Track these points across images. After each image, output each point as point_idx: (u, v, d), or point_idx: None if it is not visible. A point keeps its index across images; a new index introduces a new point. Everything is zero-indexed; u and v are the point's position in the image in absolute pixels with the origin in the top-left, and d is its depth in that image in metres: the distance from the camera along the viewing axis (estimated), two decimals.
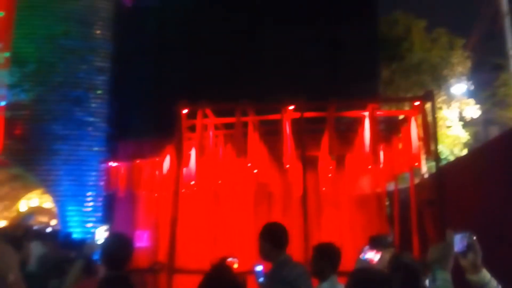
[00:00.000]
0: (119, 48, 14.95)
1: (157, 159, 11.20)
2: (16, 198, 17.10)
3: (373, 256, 5.62)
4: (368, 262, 5.61)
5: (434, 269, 2.27)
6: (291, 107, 7.71)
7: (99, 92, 14.20)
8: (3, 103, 11.79)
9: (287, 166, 8.20)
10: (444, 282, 2.21)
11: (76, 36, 14.22)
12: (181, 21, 15.70)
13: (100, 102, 14.17)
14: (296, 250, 6.28)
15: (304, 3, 15.23)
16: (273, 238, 3.65)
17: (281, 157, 7.99)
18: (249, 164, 8.10)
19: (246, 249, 9.27)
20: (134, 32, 15.56)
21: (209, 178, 9.30)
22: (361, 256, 5.86)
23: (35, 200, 17.45)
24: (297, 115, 7.72)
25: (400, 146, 8.93)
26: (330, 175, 9.62)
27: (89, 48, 14.27)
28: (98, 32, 14.54)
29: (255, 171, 8.50)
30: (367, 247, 5.87)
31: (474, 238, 2.25)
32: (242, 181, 9.55)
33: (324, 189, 10.18)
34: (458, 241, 2.22)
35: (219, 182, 9.39)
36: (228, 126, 8.93)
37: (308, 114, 7.89)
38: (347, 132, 10.10)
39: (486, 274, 2.25)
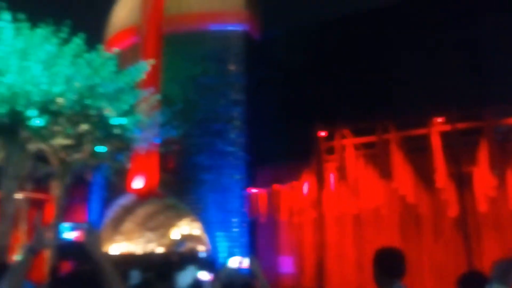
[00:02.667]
0: (251, 79, 15.73)
1: (295, 184, 11.27)
2: (170, 226, 18.84)
3: None
4: None
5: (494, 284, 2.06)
6: (440, 119, 7.05)
7: (236, 123, 15.03)
8: (157, 141, 13.22)
9: (439, 185, 7.45)
10: None
11: (213, 74, 15.41)
12: (307, 45, 15.93)
13: (238, 132, 14.97)
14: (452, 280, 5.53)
15: (441, 5, 14.15)
16: (384, 265, 3.27)
17: (431, 176, 7.31)
18: (395, 185, 7.58)
19: None
20: (264, 63, 16.25)
21: (351, 201, 8.94)
22: None
23: (185, 228, 19.01)
24: (447, 127, 7.02)
25: None
26: (490, 193, 8.46)
27: (225, 83, 15.31)
28: (232, 67, 15.55)
29: (402, 192, 7.91)
30: None
31: None
32: (387, 204, 8.98)
33: (483, 209, 8.97)
34: None
35: (362, 205, 8.96)
36: (368, 145, 8.55)
37: (461, 125, 7.12)
38: (507, 143, 8.82)
39: None
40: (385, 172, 7.44)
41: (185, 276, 5.72)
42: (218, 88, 15.32)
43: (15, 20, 8.70)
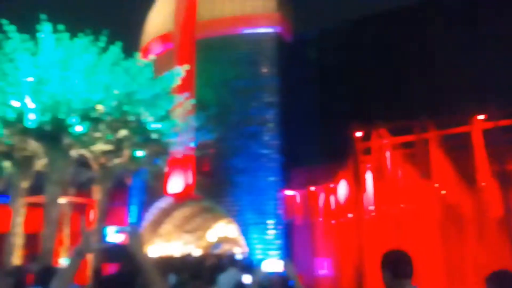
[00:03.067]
0: (284, 81, 15.72)
1: (331, 185, 11.15)
2: (207, 228, 19.09)
3: None
4: None
5: None
6: (481, 117, 6.80)
7: (270, 125, 15.06)
8: (193, 144, 13.44)
9: (482, 184, 7.18)
10: None
11: (246, 77, 15.52)
12: (341, 44, 15.75)
13: (272, 134, 15.00)
14: None
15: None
16: (393, 267, 3.22)
17: (473, 174, 7.05)
18: (435, 185, 7.36)
19: (433, 278, 8.35)
20: (296, 64, 16.19)
21: (389, 202, 8.75)
22: None
23: (221, 230, 19.20)
24: (489, 124, 6.76)
25: None
26: None
27: (258, 86, 15.39)
28: (264, 70, 15.60)
29: (443, 192, 7.67)
30: None
31: None
32: (427, 204, 8.72)
33: None
34: None
35: (401, 206, 8.75)
36: (407, 145, 8.34)
37: (504, 122, 6.84)
38: None
39: None
40: (425, 172, 7.24)
41: (226, 278, 5.78)
42: (251, 91, 15.42)
43: (55, 31, 9.06)
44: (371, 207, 8.61)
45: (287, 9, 16.79)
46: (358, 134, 7.76)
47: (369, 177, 8.47)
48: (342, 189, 9.93)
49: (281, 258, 13.44)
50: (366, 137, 7.85)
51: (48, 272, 5.66)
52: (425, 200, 8.58)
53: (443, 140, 7.75)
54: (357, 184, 7.74)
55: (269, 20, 15.98)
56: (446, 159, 7.67)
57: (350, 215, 9.42)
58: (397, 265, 3.28)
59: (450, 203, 8.56)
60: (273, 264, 11.94)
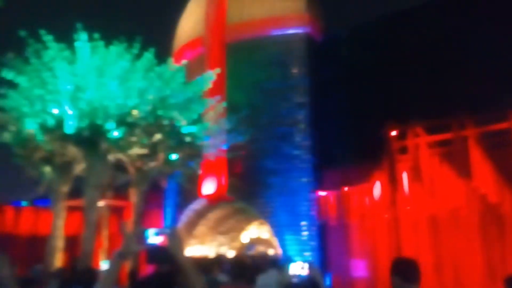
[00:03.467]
0: (314, 81, 15.61)
1: (365, 186, 10.97)
2: (240, 230, 19.18)
3: None
4: None
5: None
6: None
7: (301, 126, 14.99)
8: (225, 146, 13.56)
9: None
10: None
11: (276, 78, 15.52)
12: (373, 42, 15.48)
13: (303, 135, 14.91)
14: None
15: None
16: (403, 272, 3.31)
17: None
18: (474, 184, 7.12)
19: (473, 280, 8.07)
20: (327, 63, 16.04)
21: (427, 202, 8.52)
22: None
23: (254, 231, 19.24)
24: None
25: None
26: None
27: (288, 87, 15.35)
28: (295, 70, 15.54)
29: (482, 191, 7.41)
30: None
31: None
32: (465, 204, 8.44)
33: None
34: None
35: (439, 206, 8.51)
36: (444, 143, 8.10)
37: None
38: None
39: None
40: (463, 171, 7.01)
41: (267, 279, 5.79)
42: (281, 92, 15.39)
43: (90, 39, 9.36)
44: (408, 208, 8.41)
45: (316, 8, 16.67)
46: (393, 133, 7.59)
47: (405, 177, 8.27)
48: (377, 189, 9.75)
49: (308, 261, 13.34)
50: (401, 136, 7.68)
51: (89, 274, 5.88)
52: (464, 200, 8.31)
53: (482, 138, 7.48)
54: (393, 184, 7.59)
55: (298, 21, 15.91)
56: (486, 157, 7.40)
57: (385, 216, 9.24)
58: (407, 270, 3.39)
59: (490, 203, 8.26)
60: (299, 267, 11.86)
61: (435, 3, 14.67)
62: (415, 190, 8.12)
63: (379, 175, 9.41)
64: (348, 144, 14.57)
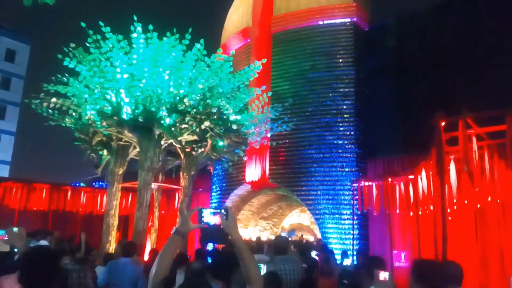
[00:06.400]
0: (361, 70, 15.48)
1: (410, 176, 10.87)
2: (282, 216, 19.50)
3: None
4: None
5: None
6: None
7: (346, 116, 14.98)
8: (270, 135, 13.83)
9: None
10: None
11: (322, 68, 15.53)
12: (419, 32, 15.12)
13: (347, 125, 14.90)
14: None
15: None
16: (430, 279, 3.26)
17: None
18: None
19: None
20: (373, 53, 15.84)
21: (475, 194, 8.39)
22: None
23: (295, 218, 19.49)
24: None
25: None
26: None
27: (334, 77, 15.33)
28: (340, 60, 15.48)
29: None
30: None
31: None
32: None
33: None
34: None
35: (488, 199, 8.36)
36: (495, 135, 7.92)
37: None
38: None
39: None
40: None
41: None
42: (327, 81, 15.40)
43: (145, 31, 9.83)
44: (455, 200, 8.31)
45: None
46: (442, 123, 7.50)
47: (452, 169, 8.16)
48: (424, 180, 9.65)
49: (358, 249, 13.41)
50: (450, 127, 7.57)
51: (132, 246, 6.50)
52: None
53: None
54: (441, 176, 7.54)
55: (345, 10, 15.78)
56: None
57: (431, 207, 9.18)
58: (433, 276, 3.33)
59: None
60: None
61: None
62: (464, 182, 8.01)
63: (426, 166, 9.30)
64: (393, 134, 14.41)
